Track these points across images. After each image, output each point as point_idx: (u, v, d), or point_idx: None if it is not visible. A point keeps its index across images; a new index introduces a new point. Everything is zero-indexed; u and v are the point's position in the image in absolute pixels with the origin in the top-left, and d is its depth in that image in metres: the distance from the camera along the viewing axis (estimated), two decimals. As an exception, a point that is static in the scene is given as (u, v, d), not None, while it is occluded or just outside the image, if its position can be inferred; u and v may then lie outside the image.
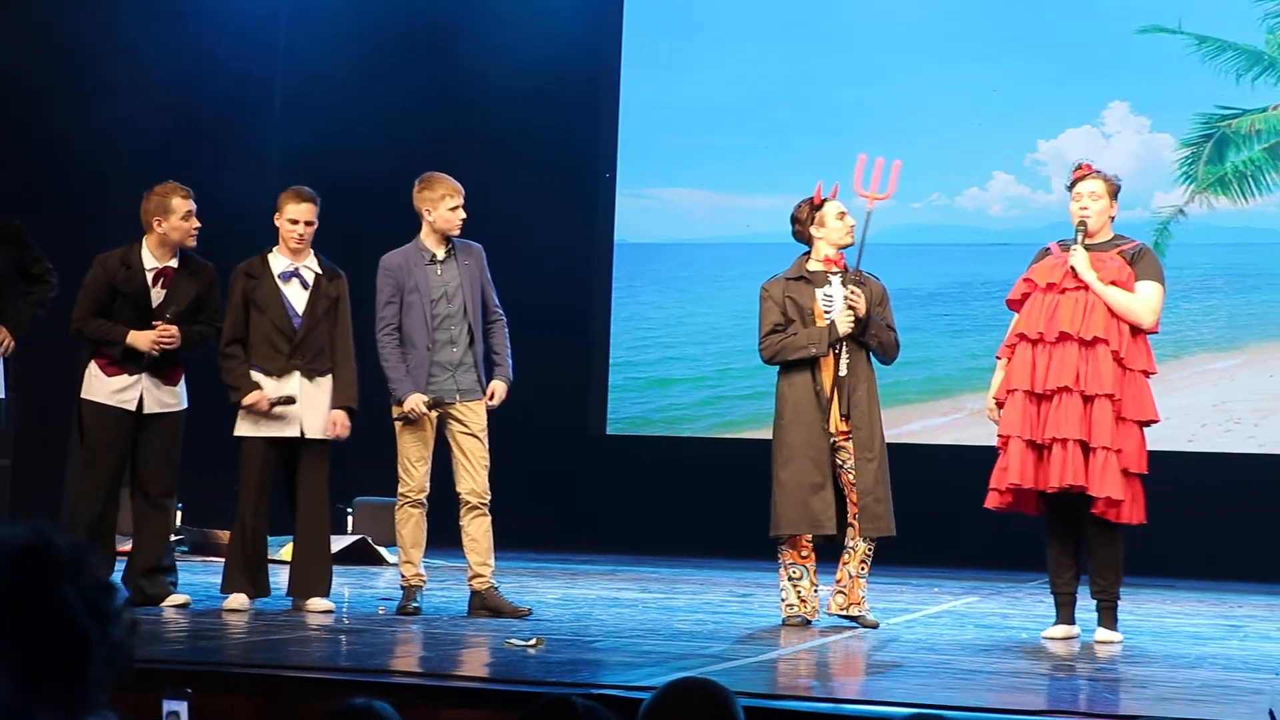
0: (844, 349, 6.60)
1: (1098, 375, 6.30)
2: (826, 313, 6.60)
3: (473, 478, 6.70)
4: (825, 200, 6.71)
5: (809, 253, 6.74)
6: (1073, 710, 4.40)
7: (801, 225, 6.73)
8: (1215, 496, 9.88)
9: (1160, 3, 10.65)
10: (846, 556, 6.64)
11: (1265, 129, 10.52)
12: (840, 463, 6.58)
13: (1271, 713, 4.27)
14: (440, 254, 6.77)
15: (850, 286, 6.59)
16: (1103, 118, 10.72)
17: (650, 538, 10.76)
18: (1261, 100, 10.50)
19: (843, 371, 6.60)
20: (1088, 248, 6.49)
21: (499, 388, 6.80)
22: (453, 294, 6.72)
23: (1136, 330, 6.40)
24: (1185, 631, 7.08)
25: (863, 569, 6.62)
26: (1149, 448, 6.45)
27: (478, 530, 6.70)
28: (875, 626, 6.55)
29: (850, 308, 6.54)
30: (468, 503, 6.71)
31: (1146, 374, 6.41)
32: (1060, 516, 6.46)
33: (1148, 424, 6.39)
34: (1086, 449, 6.28)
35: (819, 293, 6.64)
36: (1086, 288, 6.38)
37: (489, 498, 6.72)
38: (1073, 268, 6.41)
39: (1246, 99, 10.52)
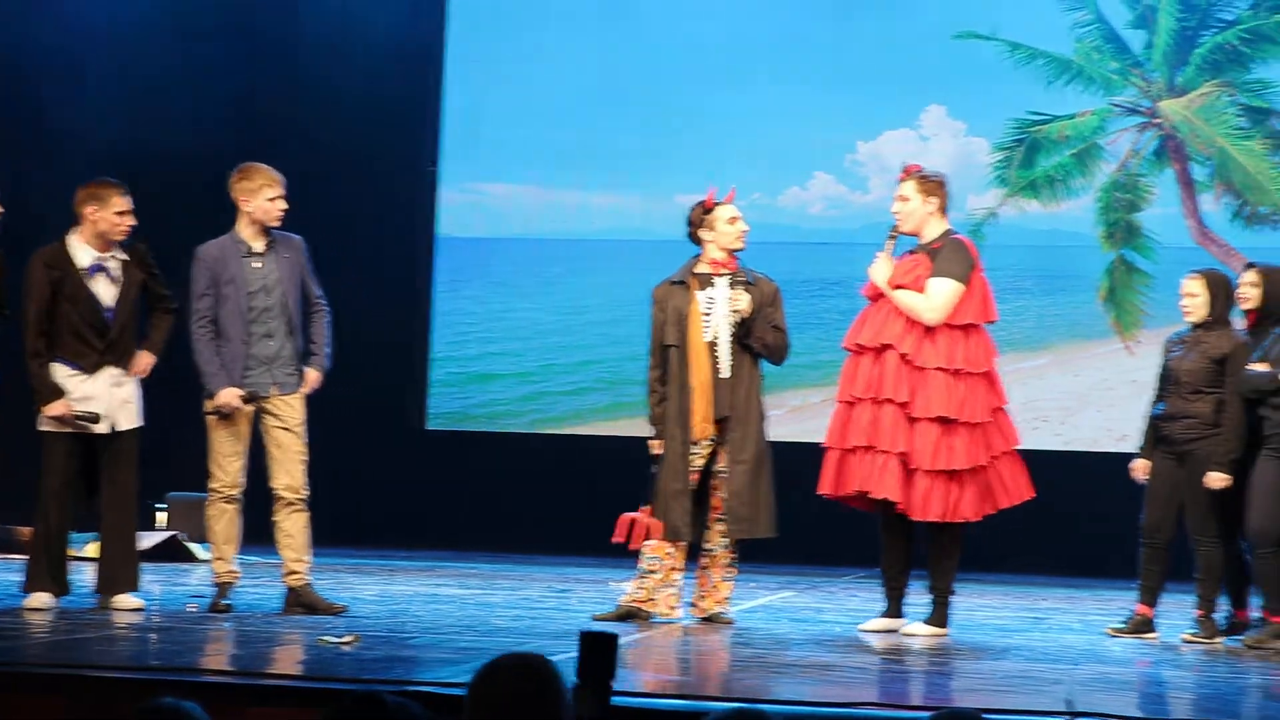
0: (727, 351, 6.65)
1: (882, 380, 6.44)
2: (706, 315, 6.65)
3: (289, 473, 6.61)
4: (718, 204, 6.74)
5: (700, 255, 6.78)
6: (878, 701, 4.48)
7: (693, 227, 6.77)
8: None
9: (976, 9, 10.89)
10: (706, 560, 6.70)
11: (1074, 135, 10.82)
12: (715, 467, 6.65)
13: (1069, 701, 4.39)
14: (258, 246, 6.65)
15: (735, 290, 6.65)
16: (920, 120, 10.93)
17: (470, 534, 10.72)
18: (1070, 107, 10.80)
19: (725, 374, 6.65)
20: (917, 249, 6.63)
21: (313, 376, 6.71)
22: (271, 287, 6.62)
23: (937, 329, 6.50)
24: (992, 624, 7.26)
25: (729, 572, 6.69)
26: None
27: (294, 526, 6.62)
28: (731, 624, 6.63)
29: (735, 310, 6.63)
30: (283, 498, 6.62)
31: (948, 371, 6.49)
32: (891, 514, 6.59)
33: (948, 421, 6.48)
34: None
35: (701, 296, 6.68)
36: None
37: (306, 493, 6.65)
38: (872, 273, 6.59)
39: (1057, 105, 10.80)
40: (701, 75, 11.11)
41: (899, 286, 6.53)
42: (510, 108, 11.27)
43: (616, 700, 4.32)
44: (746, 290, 6.64)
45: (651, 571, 6.64)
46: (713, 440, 6.66)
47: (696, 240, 6.78)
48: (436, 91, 11.30)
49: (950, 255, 6.55)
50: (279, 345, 6.61)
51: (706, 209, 6.73)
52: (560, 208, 11.31)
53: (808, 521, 9.29)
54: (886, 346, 6.47)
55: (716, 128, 11.02)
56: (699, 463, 6.64)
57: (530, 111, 11.26)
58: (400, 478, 11.03)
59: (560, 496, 10.69)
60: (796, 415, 10.74)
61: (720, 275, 6.69)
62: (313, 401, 6.78)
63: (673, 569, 6.67)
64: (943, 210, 6.66)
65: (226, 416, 6.56)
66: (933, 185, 6.66)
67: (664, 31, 11.25)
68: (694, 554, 6.77)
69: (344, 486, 10.69)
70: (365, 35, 11.10)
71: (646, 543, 6.64)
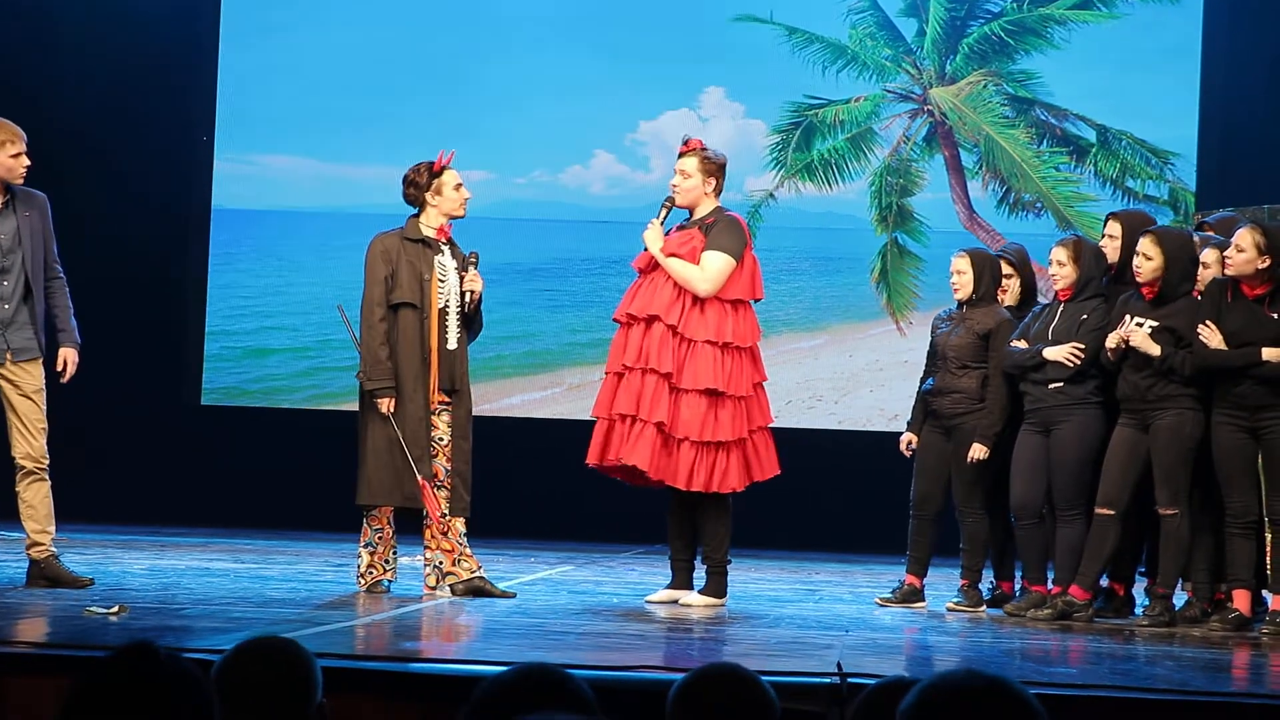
0: (455, 323, 6.62)
1: (649, 351, 6.52)
2: (441, 281, 6.61)
3: (28, 441, 6.36)
4: (445, 168, 6.68)
5: (418, 216, 6.70)
6: (652, 665, 4.54)
7: (416, 189, 6.67)
8: (798, 470, 10.28)
9: (754, -7, 11.05)
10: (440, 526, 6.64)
11: (848, 119, 11.05)
12: (433, 434, 6.61)
13: (839, 664, 4.50)
14: None
15: (470, 270, 6.63)
16: (700, 101, 11.05)
17: (246, 510, 10.53)
18: (845, 92, 11.02)
19: (452, 345, 6.62)
20: (689, 224, 6.71)
21: (71, 356, 6.47)
22: (8, 248, 6.33)
23: (706, 302, 6.59)
24: (767, 595, 7.39)
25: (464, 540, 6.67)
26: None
27: (35, 496, 6.38)
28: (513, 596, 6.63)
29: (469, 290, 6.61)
30: (23, 468, 6.37)
31: (716, 344, 6.56)
32: (649, 484, 6.66)
33: (715, 393, 6.55)
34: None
35: (436, 259, 6.63)
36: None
37: (47, 462, 6.39)
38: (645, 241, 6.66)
39: (832, 90, 11.02)
40: (481, 49, 11.07)
41: (672, 255, 6.61)
42: (285, 76, 11.08)
43: (390, 666, 4.33)
44: (468, 264, 6.64)
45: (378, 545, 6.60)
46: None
47: (416, 201, 6.69)
48: (212, 57, 11.05)
49: (725, 230, 6.65)
50: (14, 309, 6.34)
51: (435, 171, 6.69)
52: (336, 180, 11.17)
53: (589, 498, 9.37)
54: (655, 318, 6.54)
55: (497, 103, 11.00)
56: (434, 433, 6.61)
57: (306, 81, 11.09)
58: (174, 453, 10.79)
59: (338, 473, 10.54)
60: (575, 393, 10.79)
61: (444, 243, 6.67)
62: (84, 374, 6.58)
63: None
64: (718, 192, 6.78)
65: None
66: (713, 166, 6.76)
67: (445, 4, 11.18)
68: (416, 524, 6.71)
69: (116, 461, 10.43)
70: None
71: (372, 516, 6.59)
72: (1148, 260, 6.44)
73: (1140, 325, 6.44)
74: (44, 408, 6.41)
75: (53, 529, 6.41)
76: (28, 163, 6.39)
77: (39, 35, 10.87)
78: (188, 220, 11.07)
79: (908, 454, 7.21)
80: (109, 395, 10.08)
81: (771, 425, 6.84)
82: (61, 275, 6.51)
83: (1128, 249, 6.62)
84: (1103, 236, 6.89)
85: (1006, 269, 7.17)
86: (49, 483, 6.42)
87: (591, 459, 6.65)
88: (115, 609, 5.28)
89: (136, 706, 2.35)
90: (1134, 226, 6.68)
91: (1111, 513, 6.47)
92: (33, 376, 6.40)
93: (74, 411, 6.55)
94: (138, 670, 2.36)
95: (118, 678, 2.36)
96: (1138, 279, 6.49)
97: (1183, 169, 10.84)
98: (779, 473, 6.80)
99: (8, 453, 6.41)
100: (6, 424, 6.41)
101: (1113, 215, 6.93)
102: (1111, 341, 6.47)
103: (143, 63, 10.82)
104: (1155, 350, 6.36)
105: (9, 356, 6.37)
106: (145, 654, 2.38)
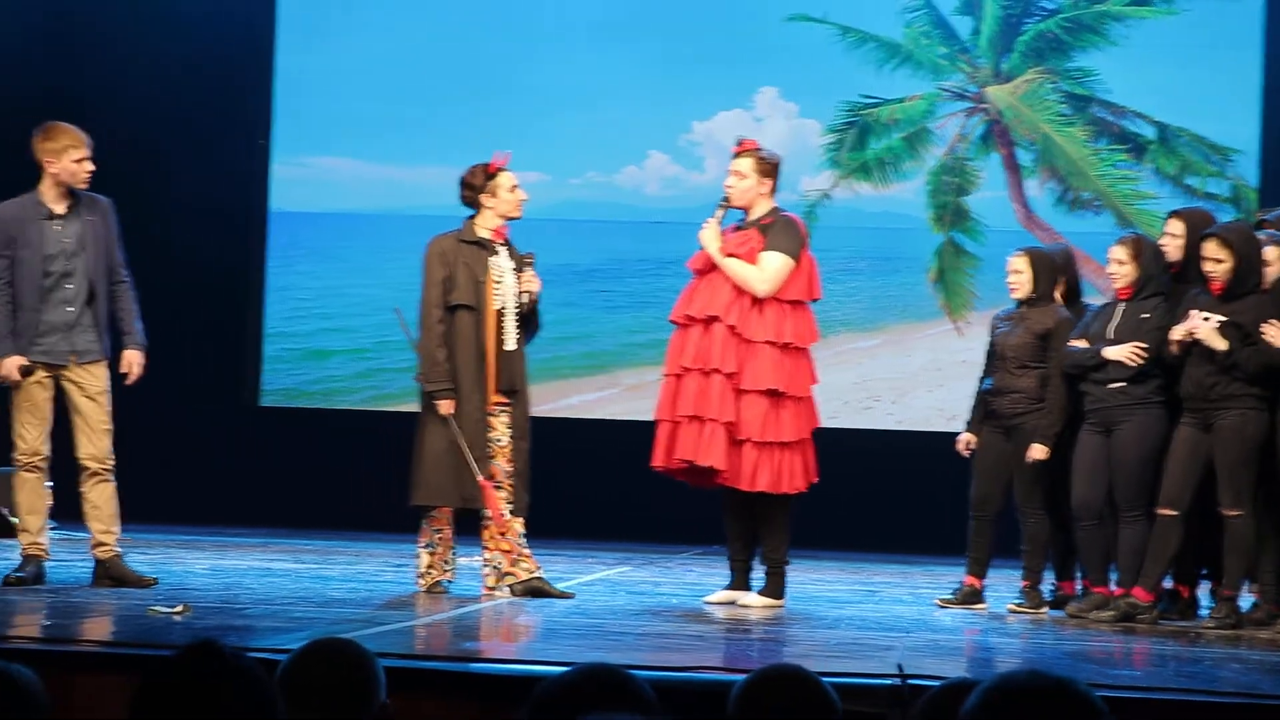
0: (513, 324, 6.63)
1: (710, 352, 6.50)
2: (497, 283, 6.63)
3: (93, 442, 6.43)
4: (500, 170, 6.70)
5: (474, 217, 6.73)
6: (712, 665, 4.54)
7: (472, 191, 6.69)
8: (856, 471, 10.27)
9: (808, -8, 11.01)
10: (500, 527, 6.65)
11: (904, 118, 10.99)
12: (490, 434, 6.61)
13: (900, 666, 4.48)
14: (60, 209, 6.44)
15: (527, 271, 6.65)
16: (754, 101, 11.02)
17: (306, 511, 10.59)
18: (900, 90, 10.97)
19: (510, 345, 6.63)
20: (746, 224, 6.71)
21: (135, 358, 6.54)
22: (73, 252, 6.41)
23: (765, 303, 6.57)
24: (825, 596, 7.37)
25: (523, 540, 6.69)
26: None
27: (100, 497, 6.44)
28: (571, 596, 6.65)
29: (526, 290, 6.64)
30: (88, 468, 6.44)
31: (776, 344, 6.54)
32: (720, 486, 6.65)
33: (776, 394, 6.54)
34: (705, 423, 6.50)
35: (491, 261, 6.66)
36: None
37: (111, 463, 6.47)
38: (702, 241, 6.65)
39: (887, 89, 10.97)
40: (536, 51, 11.09)
41: (730, 255, 6.60)
42: (342, 79, 11.14)
43: (450, 666, 4.34)
44: (524, 264, 6.64)
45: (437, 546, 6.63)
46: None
47: (472, 203, 6.71)
48: (268, 60, 11.13)
49: (783, 231, 6.65)
50: (78, 312, 6.42)
51: (490, 174, 6.70)
52: (393, 182, 11.22)
53: (647, 499, 9.36)
54: (714, 318, 6.53)
55: (551, 104, 11.01)
56: (491, 434, 6.62)
57: (362, 84, 11.14)
58: (234, 454, 10.87)
59: (398, 474, 10.58)
60: (632, 393, 10.79)
61: (500, 244, 6.68)
62: (145, 376, 6.63)
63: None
64: (773, 192, 6.77)
65: (17, 385, 6.39)
66: (768, 166, 6.75)
67: (500, 6, 11.21)
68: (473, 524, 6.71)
69: (177, 463, 10.51)
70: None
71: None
72: (1220, 263, 6.36)
73: (1207, 319, 6.37)
74: (109, 409, 6.47)
75: (118, 529, 6.47)
76: (91, 168, 6.45)
77: (96, 43, 10.97)
78: (246, 223, 11.14)
79: (966, 454, 7.16)
80: (170, 397, 10.15)
81: (828, 426, 6.83)
82: (127, 279, 6.58)
83: (1190, 247, 6.56)
84: (1163, 234, 6.82)
85: None
86: (114, 483, 6.48)
87: (656, 461, 6.64)
88: (179, 608, 5.33)
89: (202, 704, 2.37)
90: (1196, 225, 6.62)
91: (1174, 513, 6.41)
92: (97, 378, 6.47)
93: (136, 413, 6.60)
94: (203, 668, 2.39)
95: (184, 676, 2.38)
96: (1212, 281, 6.40)
97: (1244, 165, 10.73)
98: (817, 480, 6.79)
99: (73, 454, 6.47)
100: (71, 425, 6.47)
101: (1174, 213, 6.86)
102: (1177, 334, 6.40)
103: (200, 68, 10.89)
104: (1222, 345, 6.30)
105: (73, 359, 6.44)
106: (210, 652, 2.40)
